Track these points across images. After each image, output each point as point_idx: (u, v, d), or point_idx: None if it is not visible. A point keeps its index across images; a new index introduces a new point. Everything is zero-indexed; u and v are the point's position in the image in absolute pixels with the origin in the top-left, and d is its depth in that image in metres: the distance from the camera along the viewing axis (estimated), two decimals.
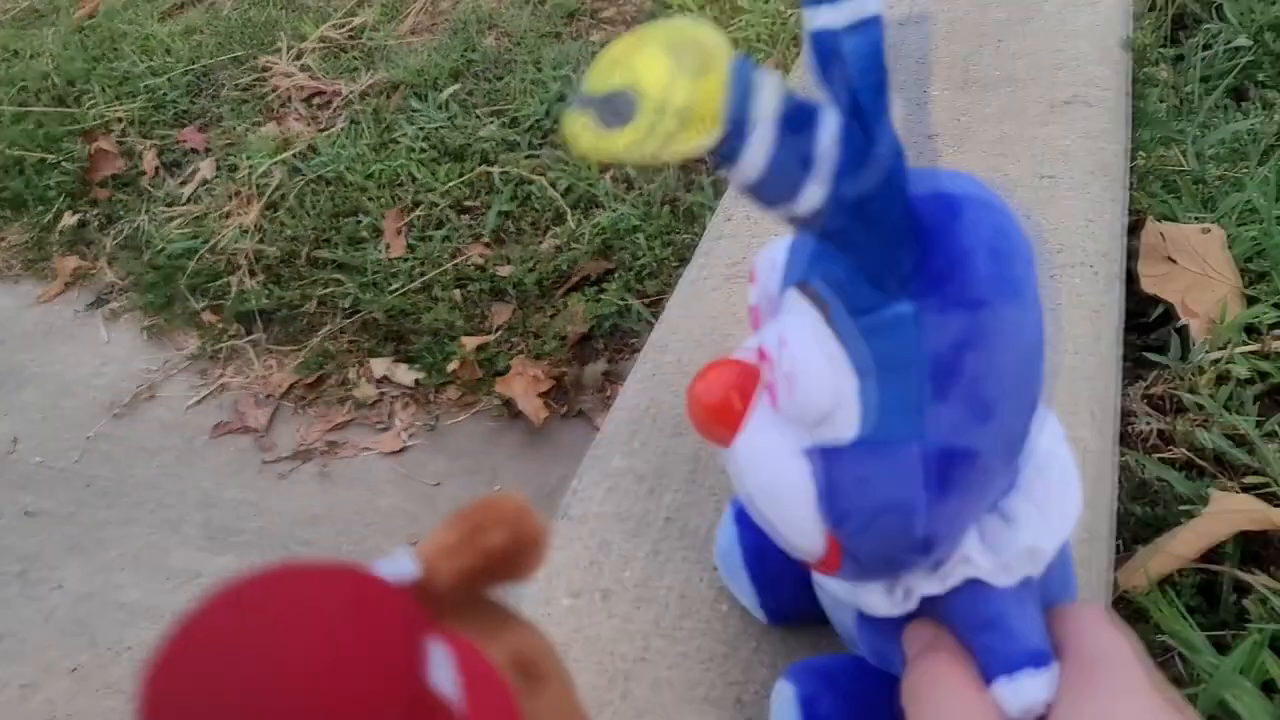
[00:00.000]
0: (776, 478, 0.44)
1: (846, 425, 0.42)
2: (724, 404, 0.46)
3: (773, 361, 0.44)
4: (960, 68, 0.94)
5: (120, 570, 1.61)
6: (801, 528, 0.44)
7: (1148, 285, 0.98)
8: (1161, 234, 1.01)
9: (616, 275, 1.85)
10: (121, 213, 2.15)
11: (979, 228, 0.41)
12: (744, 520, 0.63)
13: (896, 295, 0.40)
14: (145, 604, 1.56)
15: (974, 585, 0.46)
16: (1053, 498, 0.47)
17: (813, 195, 0.37)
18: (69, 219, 2.14)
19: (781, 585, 0.62)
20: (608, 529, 0.70)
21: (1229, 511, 0.85)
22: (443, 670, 0.35)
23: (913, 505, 0.42)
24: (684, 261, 1.82)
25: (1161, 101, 1.22)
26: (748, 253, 0.77)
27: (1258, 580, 0.80)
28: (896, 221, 0.39)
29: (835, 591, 0.51)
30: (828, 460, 0.43)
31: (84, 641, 1.51)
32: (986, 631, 0.46)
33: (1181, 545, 0.84)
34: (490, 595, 0.51)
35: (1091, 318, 0.77)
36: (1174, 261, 0.99)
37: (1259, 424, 0.92)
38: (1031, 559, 0.46)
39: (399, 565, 0.44)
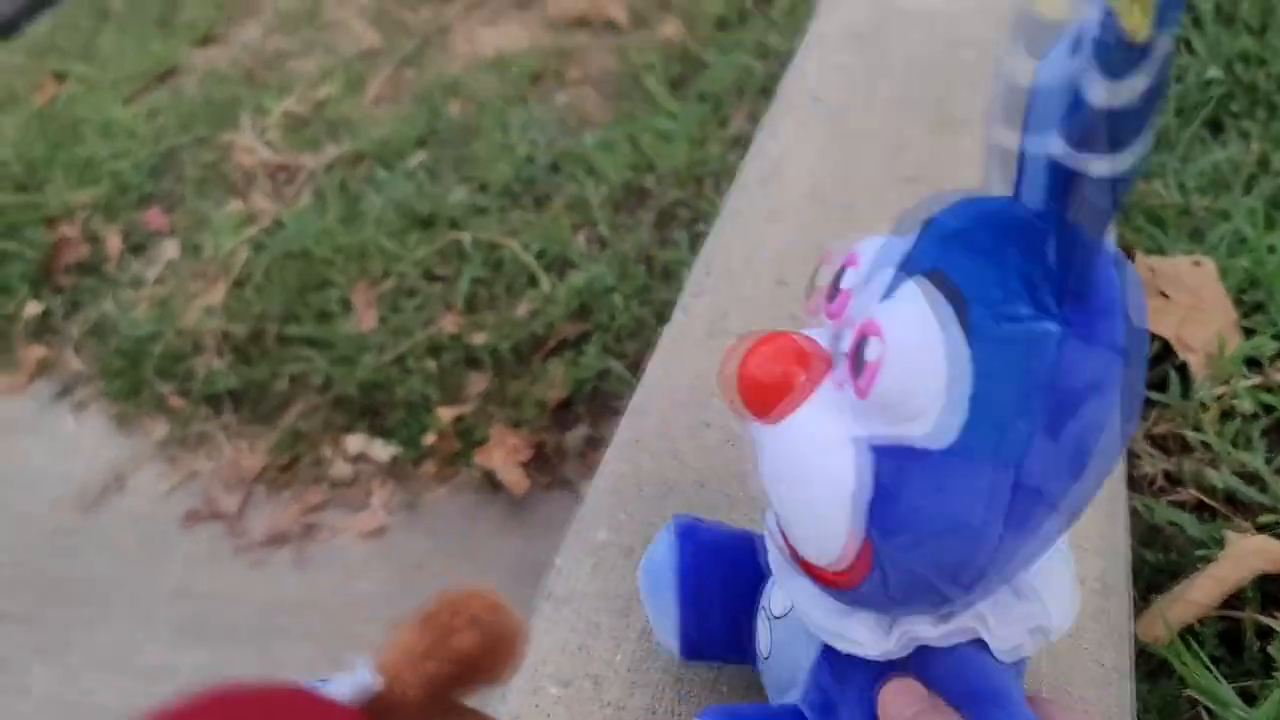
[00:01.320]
0: (817, 465, 0.40)
1: (941, 430, 0.38)
2: (782, 381, 0.43)
3: (861, 344, 0.41)
4: (934, 108, 0.91)
5: (90, 671, 1.54)
6: (827, 525, 0.40)
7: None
8: (1151, 268, 0.98)
9: (594, 337, 1.81)
10: (86, 299, 2.11)
11: (1136, 284, 0.39)
12: (687, 539, 0.59)
13: (1048, 313, 0.37)
14: (117, 705, 1.48)
15: (975, 652, 0.43)
16: (1055, 581, 0.44)
17: (1130, 156, 0.34)
18: (32, 308, 2.09)
19: (710, 616, 0.58)
20: (595, 609, 0.65)
21: (1246, 554, 0.80)
22: None
23: (985, 534, 0.38)
24: (663, 320, 1.78)
25: None
26: (730, 307, 0.73)
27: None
28: (1103, 232, 0.37)
29: (810, 617, 0.46)
30: (897, 461, 0.39)
31: None
32: (990, 704, 0.42)
33: (1200, 592, 0.80)
34: (463, 699, 0.48)
35: None
36: (1166, 296, 0.96)
37: (1268, 460, 0.88)
38: (1034, 638, 0.44)
39: (357, 679, 0.41)
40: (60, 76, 2.74)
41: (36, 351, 2.05)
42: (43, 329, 2.09)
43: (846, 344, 0.42)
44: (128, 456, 1.87)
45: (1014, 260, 0.38)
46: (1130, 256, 1.01)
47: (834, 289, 0.46)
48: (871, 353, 0.39)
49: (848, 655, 0.44)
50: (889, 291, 0.41)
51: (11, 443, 1.92)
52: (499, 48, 2.50)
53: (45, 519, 1.77)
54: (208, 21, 2.88)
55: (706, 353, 0.70)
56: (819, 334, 0.45)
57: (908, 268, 0.41)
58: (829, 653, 0.47)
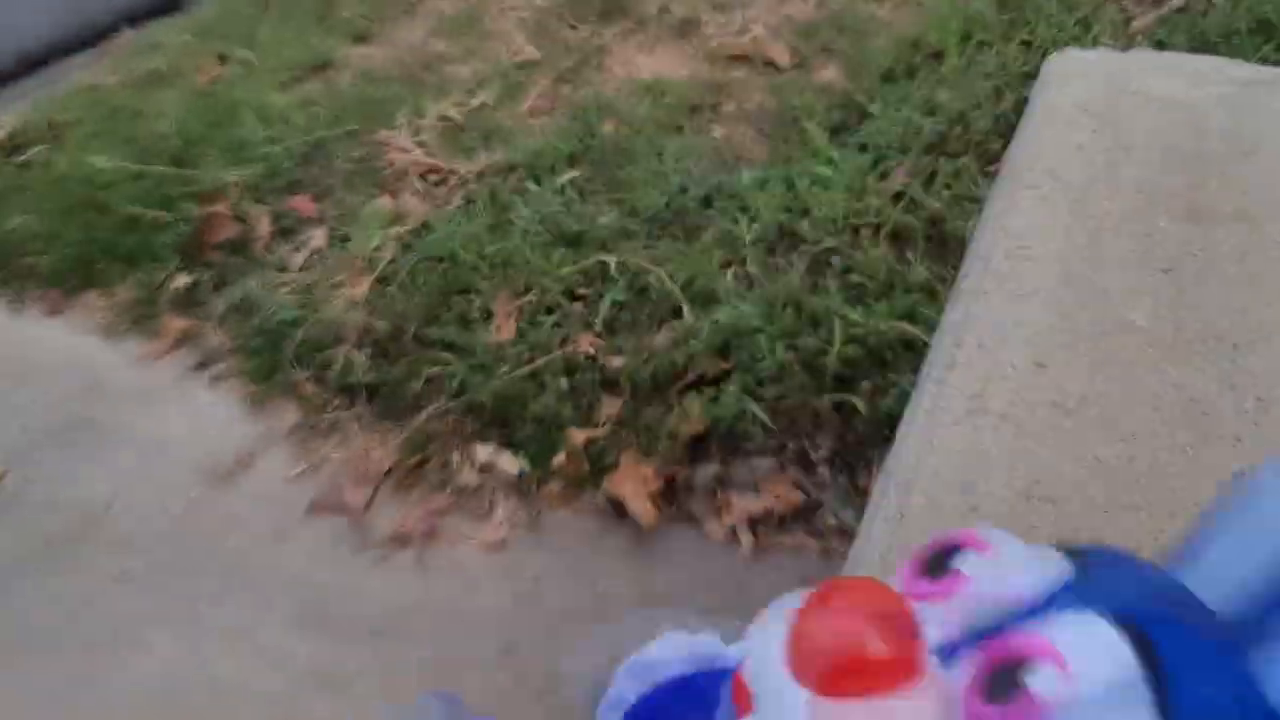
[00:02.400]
0: None
1: None
2: (897, 660, 0.35)
3: (1014, 663, 0.34)
4: (1184, 197, 0.88)
5: (209, 643, 1.55)
6: None
7: None
8: None
9: (735, 376, 1.79)
10: (232, 277, 2.15)
11: None
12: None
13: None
14: (235, 682, 1.50)
15: None
16: None
17: None
18: (181, 279, 2.14)
19: None
20: None
21: None
22: None
23: None
24: (807, 367, 1.76)
25: None
26: (985, 385, 0.71)
27: None
28: None
29: None
30: None
31: (170, 716, 1.45)
32: None
33: None
34: None
35: None
36: None
37: None
38: None
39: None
40: (223, 59, 2.82)
41: (179, 322, 2.10)
42: (187, 301, 2.14)
43: (966, 649, 0.35)
44: (259, 436, 1.89)
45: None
46: None
47: (938, 562, 0.38)
48: (1042, 681, 0.33)
49: None
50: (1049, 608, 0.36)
51: (149, 409, 1.96)
52: (656, 74, 2.51)
53: (177, 488, 1.80)
54: (365, 20, 2.94)
55: (968, 432, 0.68)
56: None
57: (1091, 599, 0.35)
58: None
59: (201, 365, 2.04)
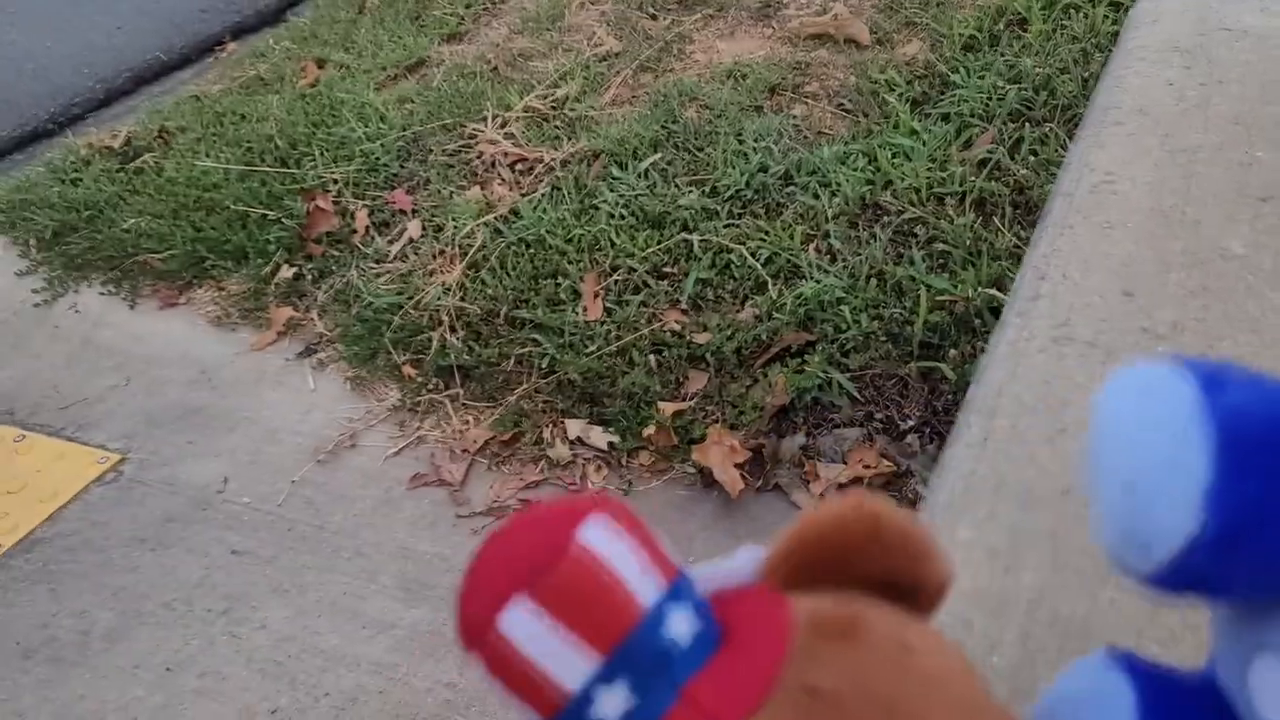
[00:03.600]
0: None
1: None
2: None
3: None
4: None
5: (319, 615, 1.63)
6: None
7: None
8: None
9: (819, 347, 1.80)
10: (333, 268, 2.24)
11: None
12: (1143, 685, 0.46)
13: None
14: (343, 651, 1.56)
15: None
16: None
17: None
18: (285, 271, 2.24)
19: None
20: (966, 606, 0.64)
21: None
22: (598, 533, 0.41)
23: None
24: (892, 337, 1.76)
25: None
26: (1071, 314, 0.71)
27: None
28: None
29: None
30: None
31: (284, 684, 1.52)
32: None
33: None
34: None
35: None
36: None
37: None
38: None
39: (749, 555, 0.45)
40: (321, 63, 2.94)
41: (286, 312, 2.20)
42: (293, 292, 2.24)
43: None
44: (361, 417, 1.97)
45: None
46: None
47: None
48: None
49: None
50: None
51: (259, 394, 2.06)
52: (736, 58, 2.53)
53: (287, 468, 1.89)
54: (456, 19, 3.02)
55: (1052, 359, 0.68)
56: None
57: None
58: None
59: (307, 352, 2.13)
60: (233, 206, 2.38)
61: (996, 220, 1.85)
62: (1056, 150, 1.89)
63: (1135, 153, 0.85)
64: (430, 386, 1.98)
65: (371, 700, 1.49)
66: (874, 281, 1.82)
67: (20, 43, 3.44)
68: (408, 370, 2.02)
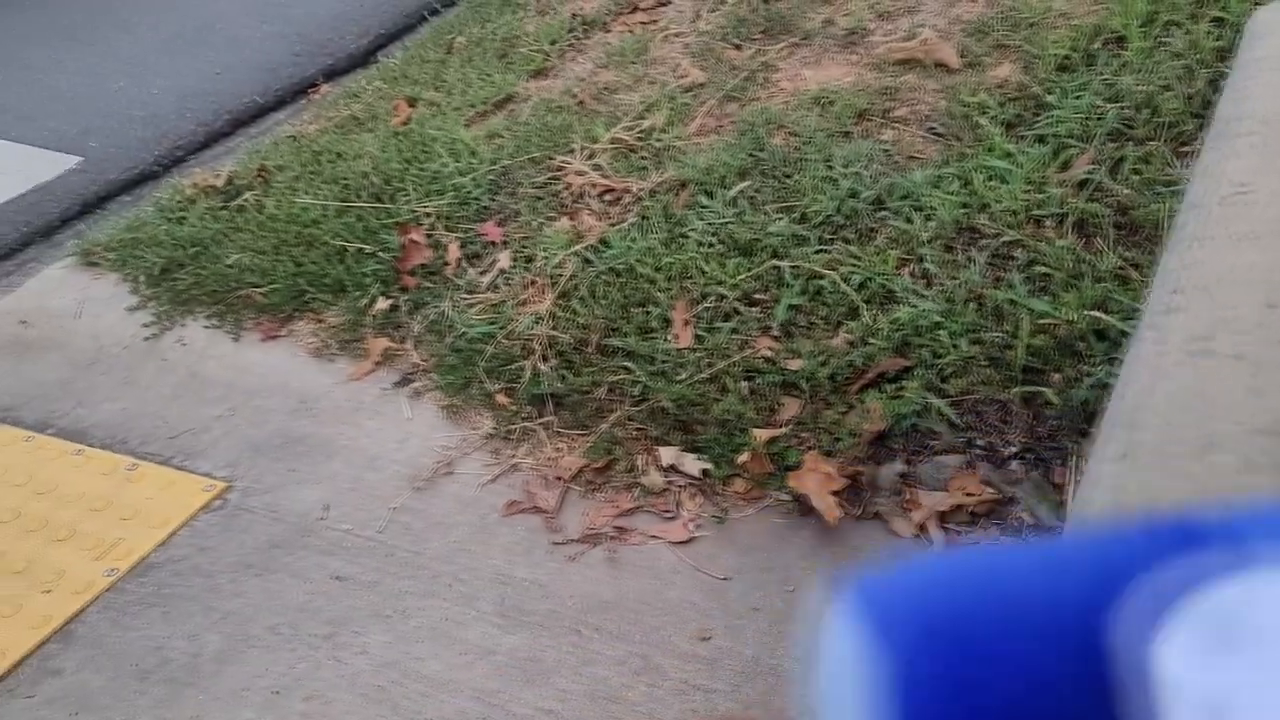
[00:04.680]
0: None
1: None
2: None
3: None
4: None
5: (419, 641, 1.64)
6: None
7: None
8: None
9: (916, 373, 1.77)
10: (427, 299, 2.29)
11: None
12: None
13: None
14: (444, 677, 1.58)
15: None
16: None
17: None
18: (382, 304, 2.29)
19: None
20: None
21: None
22: None
23: None
24: (993, 361, 1.72)
25: None
26: (1214, 329, 0.69)
27: None
28: None
29: None
30: None
31: (386, 709, 1.54)
32: None
33: None
34: None
35: None
36: None
37: None
38: None
39: None
40: (412, 101, 3.01)
41: (382, 343, 2.24)
42: (389, 323, 2.29)
43: None
44: (457, 445, 2.00)
45: None
46: None
47: None
48: None
49: None
50: None
51: (358, 422, 2.11)
52: (823, 85, 2.53)
53: (385, 495, 1.92)
54: (542, 56, 3.08)
55: (1191, 373, 0.66)
56: None
57: None
58: None
59: (403, 382, 2.17)
60: (331, 241, 2.45)
61: (1098, 241, 1.81)
62: (1162, 169, 1.84)
63: (1265, 161, 0.82)
64: (523, 415, 2.00)
65: None
66: (972, 305, 1.79)
67: (128, 89, 3.60)
68: (501, 399, 2.04)
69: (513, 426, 1.99)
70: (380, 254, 2.37)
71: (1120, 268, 1.73)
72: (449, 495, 1.91)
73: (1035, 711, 0.32)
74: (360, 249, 2.41)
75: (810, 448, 1.76)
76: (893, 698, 0.32)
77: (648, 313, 2.05)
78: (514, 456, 1.95)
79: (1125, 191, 1.85)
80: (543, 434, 1.96)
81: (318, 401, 2.19)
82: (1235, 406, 0.65)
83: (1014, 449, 1.69)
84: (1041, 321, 1.70)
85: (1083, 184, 1.89)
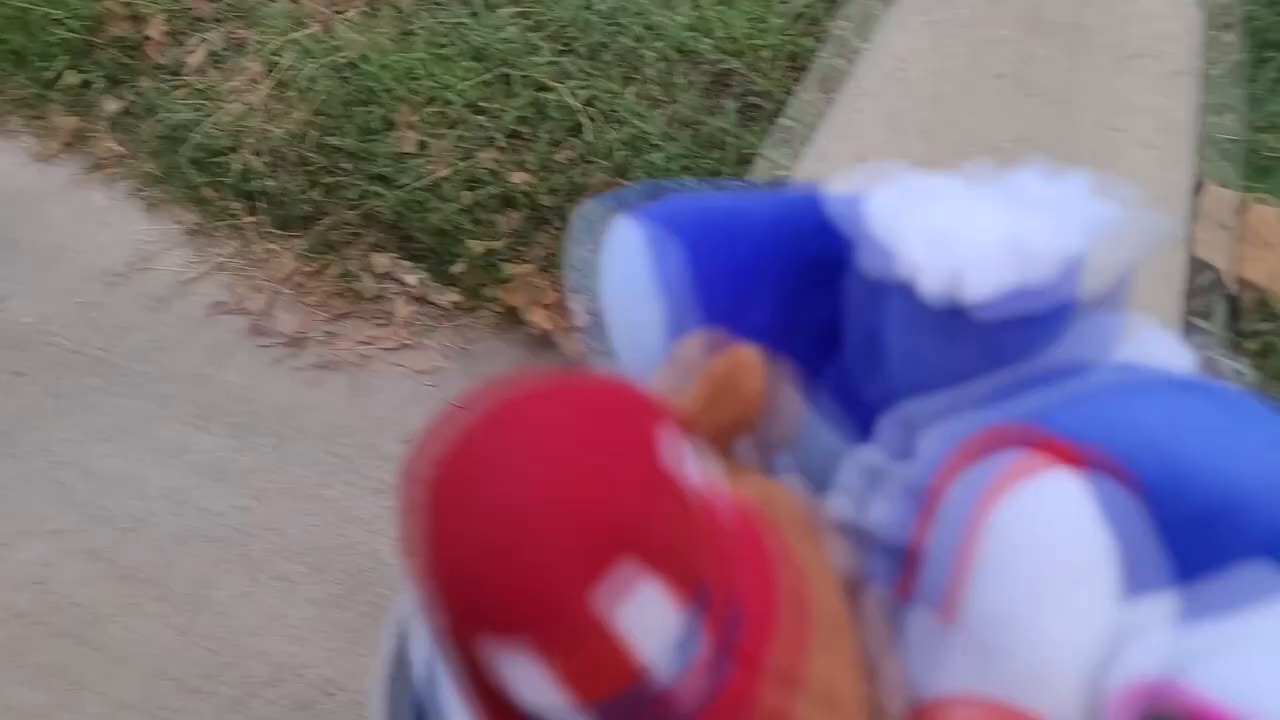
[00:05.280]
0: None
1: None
2: None
3: None
4: (1030, 8, 0.92)
5: (105, 440, 1.59)
6: None
7: (1201, 250, 0.98)
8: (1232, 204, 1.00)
9: None
10: (124, 76, 2.09)
11: None
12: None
13: None
14: (130, 473, 1.54)
15: None
16: None
17: None
18: (71, 77, 2.07)
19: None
20: None
21: None
22: (681, 456, 0.37)
23: None
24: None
25: (1220, 67, 1.21)
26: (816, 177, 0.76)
27: None
28: None
29: None
30: None
31: (63, 505, 1.50)
32: None
33: None
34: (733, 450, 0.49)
35: (1155, 279, 0.77)
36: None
37: None
38: None
39: None
40: None
41: (71, 122, 2.04)
42: (79, 101, 2.08)
43: None
44: (156, 239, 1.89)
45: None
46: (1200, 186, 1.03)
47: None
48: None
49: None
50: None
51: (42, 211, 1.93)
52: None
53: (72, 289, 1.80)
54: None
55: None
56: None
57: None
58: None
59: (95, 168, 2.00)
60: (9, 2, 2.16)
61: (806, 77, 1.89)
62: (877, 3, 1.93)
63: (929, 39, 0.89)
64: (231, 212, 1.90)
65: (161, 523, 1.49)
66: (688, 132, 1.85)
67: None
68: (207, 193, 1.93)
69: (219, 223, 1.90)
70: (69, 21, 2.12)
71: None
72: (146, 293, 1.81)
73: (778, 263, 0.44)
74: (47, 13, 2.14)
75: (526, 262, 1.79)
76: (680, 270, 0.45)
77: (370, 113, 1.97)
78: (220, 255, 1.87)
79: (838, 32, 1.93)
80: (252, 233, 1.88)
81: None
82: None
83: None
84: (746, 152, 1.78)
85: (799, 16, 1.95)
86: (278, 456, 1.57)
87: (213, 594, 1.41)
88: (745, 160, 1.76)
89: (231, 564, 1.44)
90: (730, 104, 1.86)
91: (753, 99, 1.87)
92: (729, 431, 0.46)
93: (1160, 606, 0.37)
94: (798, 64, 1.91)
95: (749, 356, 0.45)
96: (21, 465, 1.56)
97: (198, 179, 1.93)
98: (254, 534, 1.47)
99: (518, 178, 1.87)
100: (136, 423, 1.62)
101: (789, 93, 1.85)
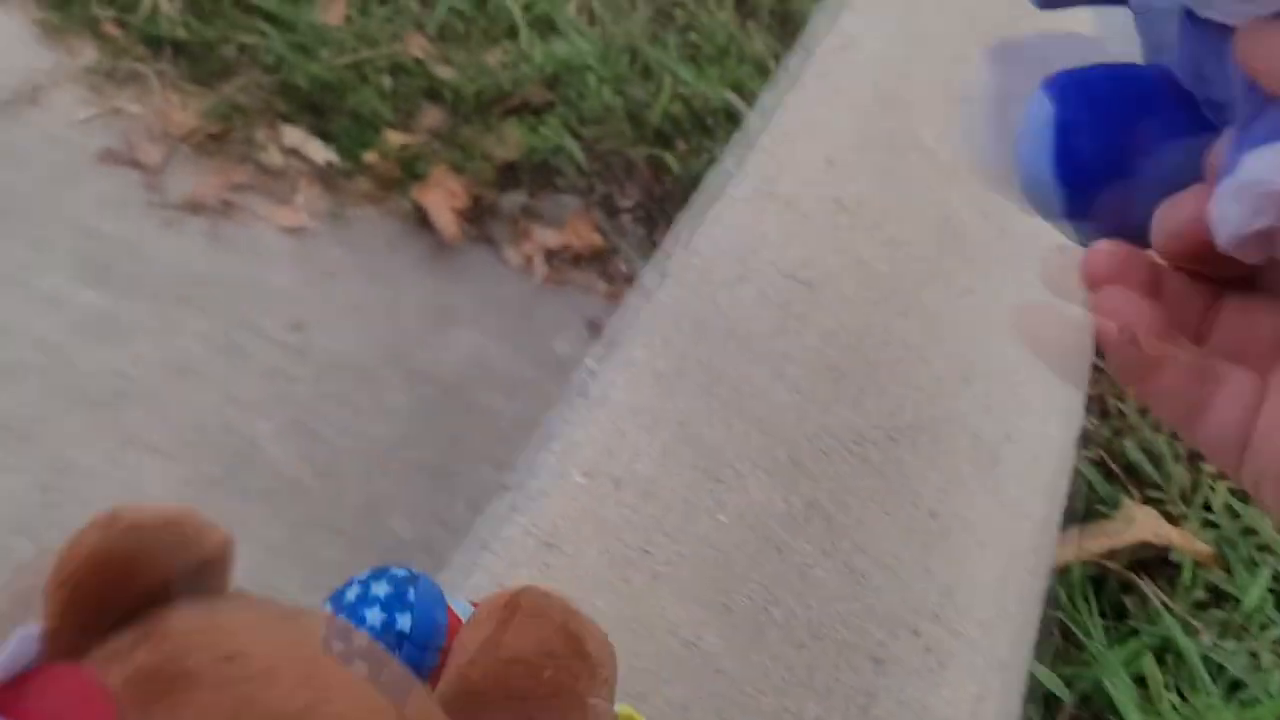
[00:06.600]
0: None
1: None
2: None
3: None
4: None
5: None
6: None
7: None
8: None
9: (559, 110, 1.81)
10: None
11: None
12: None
13: None
14: (4, 320, 1.48)
15: None
16: None
17: None
18: None
19: None
20: (622, 418, 0.72)
21: (1135, 521, 0.95)
22: None
23: None
24: (631, 117, 1.79)
25: None
26: (783, 172, 0.78)
27: (1147, 586, 0.91)
28: None
29: None
30: None
31: None
32: None
33: (1093, 542, 0.95)
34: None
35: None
36: None
37: (1172, 442, 1.03)
38: None
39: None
40: None
41: None
42: None
43: None
44: (48, 71, 1.77)
45: None
46: None
47: None
48: None
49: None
50: None
51: None
52: None
53: None
54: None
55: (754, 212, 0.76)
56: None
57: None
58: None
59: None
60: None
61: (752, 23, 1.89)
62: None
63: (875, 24, 0.91)
64: (134, 55, 1.80)
65: (32, 377, 1.43)
66: (625, 57, 1.83)
67: None
68: (109, 29, 1.81)
69: (119, 65, 1.79)
70: None
71: (763, 55, 1.84)
72: (31, 126, 1.70)
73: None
74: None
75: (442, 162, 1.76)
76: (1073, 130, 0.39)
77: None
78: (116, 100, 1.76)
79: None
80: (155, 82, 1.78)
81: None
82: (775, 247, 0.76)
83: (629, 203, 1.81)
84: (682, 89, 1.78)
85: None
86: (161, 325, 1.53)
87: (80, 458, 1.37)
88: (681, 98, 1.76)
89: (104, 430, 1.40)
90: (672, 37, 1.85)
91: (695, 35, 1.86)
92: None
93: None
94: (747, 5, 1.91)
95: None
96: None
97: (101, 13, 1.81)
98: (135, 402, 1.43)
99: (444, 72, 1.82)
100: (10, 265, 1.54)
101: (732, 37, 1.85)
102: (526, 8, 1.88)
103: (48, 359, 1.45)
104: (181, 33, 1.79)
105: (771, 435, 0.62)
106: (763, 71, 1.83)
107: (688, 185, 1.78)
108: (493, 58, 1.85)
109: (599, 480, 0.71)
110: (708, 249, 0.73)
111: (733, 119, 1.80)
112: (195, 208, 1.67)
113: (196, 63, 1.80)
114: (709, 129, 1.79)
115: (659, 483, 0.71)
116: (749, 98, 1.77)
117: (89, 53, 1.80)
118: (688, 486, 0.70)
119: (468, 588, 0.60)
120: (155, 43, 1.80)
